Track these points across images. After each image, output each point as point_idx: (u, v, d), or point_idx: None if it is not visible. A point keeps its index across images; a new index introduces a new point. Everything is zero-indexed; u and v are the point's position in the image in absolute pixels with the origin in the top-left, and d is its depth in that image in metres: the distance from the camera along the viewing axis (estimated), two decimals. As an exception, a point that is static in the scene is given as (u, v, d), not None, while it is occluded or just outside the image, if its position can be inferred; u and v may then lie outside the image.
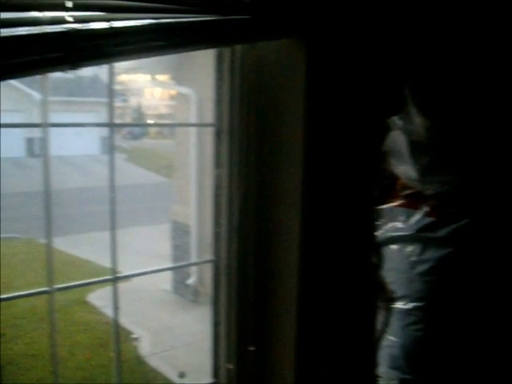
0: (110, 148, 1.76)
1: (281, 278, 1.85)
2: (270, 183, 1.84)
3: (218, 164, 1.90)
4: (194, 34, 1.54)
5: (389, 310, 1.86)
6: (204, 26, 1.55)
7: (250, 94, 1.82)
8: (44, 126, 1.51)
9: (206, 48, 1.69)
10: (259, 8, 1.61)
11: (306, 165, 1.74)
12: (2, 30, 1.24)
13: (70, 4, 1.28)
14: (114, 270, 1.72)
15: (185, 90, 6.97)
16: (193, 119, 6.65)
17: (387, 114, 1.81)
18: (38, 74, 1.37)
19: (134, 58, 1.52)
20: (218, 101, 1.87)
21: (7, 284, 6.14)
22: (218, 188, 1.91)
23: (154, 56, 1.58)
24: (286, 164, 1.79)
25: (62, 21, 1.30)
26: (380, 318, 1.90)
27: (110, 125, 1.70)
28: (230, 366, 1.94)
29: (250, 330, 1.90)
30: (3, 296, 1.54)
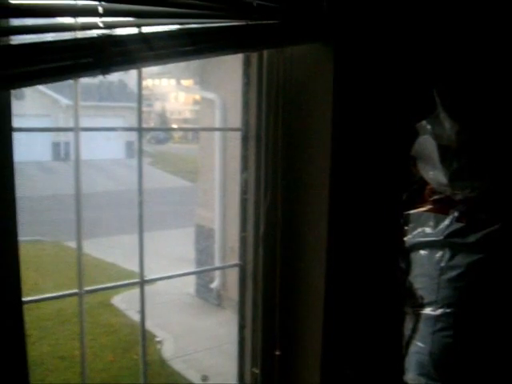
0: (138, 152, 1.77)
1: (307, 282, 1.84)
2: (296, 187, 1.84)
3: (244, 168, 1.91)
4: (222, 39, 1.55)
5: (417, 316, 1.84)
6: (232, 31, 1.56)
7: (277, 98, 1.83)
8: (76, 130, 1.53)
9: (234, 53, 1.70)
10: (287, 13, 1.62)
11: (333, 169, 1.74)
12: (35, 35, 1.26)
13: (101, 10, 1.30)
14: (141, 274, 1.73)
15: (209, 94, 6.98)
16: (217, 124, 6.65)
17: (416, 119, 1.80)
18: (69, 78, 1.39)
19: (163, 63, 1.54)
20: (245, 105, 1.88)
21: (34, 286, 6.21)
22: (244, 192, 1.92)
23: (182, 61, 1.60)
24: (313, 168, 1.79)
25: (94, 27, 1.32)
26: (408, 323, 1.88)
27: (139, 129, 1.72)
28: (256, 370, 1.94)
29: (276, 334, 1.90)
30: (33, 298, 1.56)
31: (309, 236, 1.82)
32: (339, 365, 1.86)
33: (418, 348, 1.84)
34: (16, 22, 1.31)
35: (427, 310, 1.82)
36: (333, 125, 1.72)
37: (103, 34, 1.32)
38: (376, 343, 1.91)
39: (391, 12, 1.79)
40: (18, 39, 1.27)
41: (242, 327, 1.99)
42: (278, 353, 1.90)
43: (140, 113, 1.73)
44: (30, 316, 1.43)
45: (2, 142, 1.33)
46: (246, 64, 1.87)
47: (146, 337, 1.91)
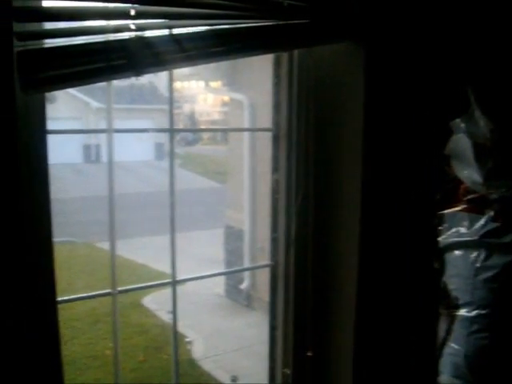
0: (170, 153, 1.78)
1: (340, 283, 1.83)
2: (328, 187, 1.82)
3: (275, 168, 1.90)
4: (252, 39, 1.55)
5: (452, 318, 1.82)
6: (262, 32, 1.56)
7: (307, 98, 1.82)
8: (109, 131, 1.54)
9: (264, 53, 1.69)
10: (317, 12, 1.61)
11: (365, 169, 1.72)
12: (69, 38, 1.28)
13: (133, 12, 1.31)
14: (173, 274, 1.74)
15: (238, 95, 7.00)
16: (246, 125, 6.66)
17: (450, 117, 1.77)
18: (102, 80, 1.40)
19: (193, 64, 1.54)
20: (276, 105, 1.88)
21: (66, 286, 6.30)
22: (275, 192, 1.91)
23: (213, 62, 1.60)
24: (345, 168, 1.78)
25: (126, 29, 1.34)
26: (443, 325, 1.86)
27: (170, 130, 1.72)
28: (288, 371, 1.93)
29: (308, 335, 1.89)
30: (66, 297, 1.58)
31: (341, 236, 1.81)
32: (373, 366, 1.84)
33: (453, 350, 1.82)
34: (48, 25, 1.33)
35: (462, 312, 1.79)
36: (365, 124, 1.70)
37: (135, 36, 1.33)
38: (410, 344, 1.89)
39: (423, 9, 1.77)
40: (51, 42, 1.28)
41: (273, 328, 1.98)
42: (309, 354, 1.89)
43: (171, 114, 1.74)
44: (62, 316, 1.45)
45: (37, 144, 1.35)
46: (277, 64, 1.86)
47: (177, 337, 1.92)
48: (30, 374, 1.35)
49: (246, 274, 7.19)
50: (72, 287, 6.51)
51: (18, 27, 1.22)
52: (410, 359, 1.90)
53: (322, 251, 1.86)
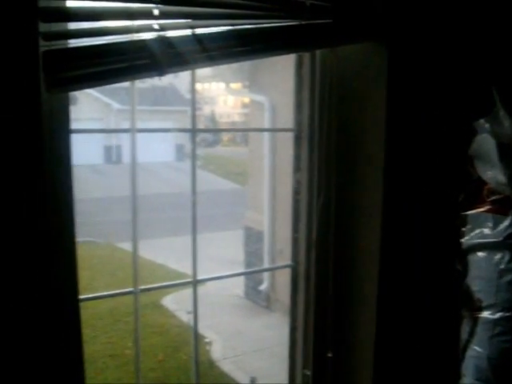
0: (192, 153, 1.78)
1: (361, 284, 1.82)
2: (350, 188, 1.82)
3: (297, 168, 1.90)
4: (275, 39, 1.56)
5: (475, 320, 1.80)
6: (285, 32, 1.56)
7: (330, 98, 1.81)
8: (132, 131, 1.55)
9: (287, 53, 1.69)
10: (340, 12, 1.60)
11: (388, 169, 1.71)
12: (92, 38, 1.29)
13: (156, 12, 1.32)
14: (194, 273, 1.75)
15: (258, 97, 7.03)
16: (266, 126, 6.69)
17: (474, 117, 1.76)
18: (125, 80, 1.41)
19: (216, 64, 1.55)
20: (298, 105, 1.88)
21: (86, 286, 6.36)
22: (296, 193, 1.91)
23: (235, 62, 1.61)
24: (367, 168, 1.77)
25: (149, 29, 1.35)
26: (465, 327, 1.84)
27: (192, 130, 1.73)
28: (307, 372, 1.92)
29: (328, 336, 1.88)
30: (88, 296, 1.59)
31: (362, 236, 1.80)
32: (393, 368, 1.83)
33: (476, 352, 1.80)
34: (73, 25, 1.34)
35: (485, 314, 1.77)
36: (387, 124, 1.70)
37: (158, 36, 1.34)
38: (432, 347, 1.88)
39: (447, 8, 1.76)
40: (75, 42, 1.30)
41: (293, 329, 1.98)
42: (330, 355, 1.88)
43: (194, 114, 1.74)
44: (82, 315, 1.47)
45: (61, 144, 1.37)
46: (299, 64, 1.86)
47: (197, 337, 1.92)
48: (53, 373, 1.36)
49: (266, 275, 7.20)
50: (93, 286, 6.57)
51: (43, 27, 1.23)
52: (432, 362, 1.88)
53: (343, 252, 1.85)
